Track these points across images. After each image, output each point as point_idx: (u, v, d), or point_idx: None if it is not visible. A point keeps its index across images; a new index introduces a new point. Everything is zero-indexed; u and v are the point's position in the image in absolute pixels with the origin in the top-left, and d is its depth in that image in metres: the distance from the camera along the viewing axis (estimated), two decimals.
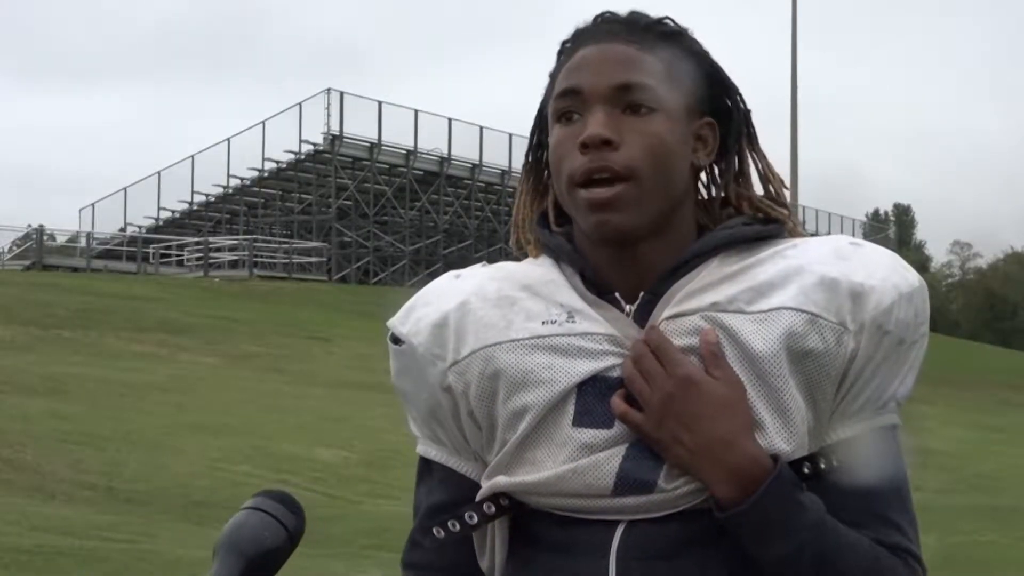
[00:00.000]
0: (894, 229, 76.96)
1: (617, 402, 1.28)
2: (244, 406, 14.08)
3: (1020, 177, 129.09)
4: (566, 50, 1.39)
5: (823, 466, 1.28)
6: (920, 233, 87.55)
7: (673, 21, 1.39)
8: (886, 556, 1.29)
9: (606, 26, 1.37)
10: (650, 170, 1.30)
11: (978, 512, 11.67)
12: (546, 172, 1.43)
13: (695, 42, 1.39)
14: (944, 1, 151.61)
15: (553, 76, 1.39)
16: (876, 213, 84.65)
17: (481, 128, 39.03)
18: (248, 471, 10.74)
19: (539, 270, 1.39)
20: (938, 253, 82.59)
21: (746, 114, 1.41)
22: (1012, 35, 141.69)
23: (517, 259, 1.44)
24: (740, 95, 1.41)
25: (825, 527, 1.25)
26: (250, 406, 14.14)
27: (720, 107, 1.40)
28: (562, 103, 1.35)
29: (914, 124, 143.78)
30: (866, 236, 55.38)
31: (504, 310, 1.35)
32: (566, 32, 1.40)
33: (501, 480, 1.31)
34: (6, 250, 37.88)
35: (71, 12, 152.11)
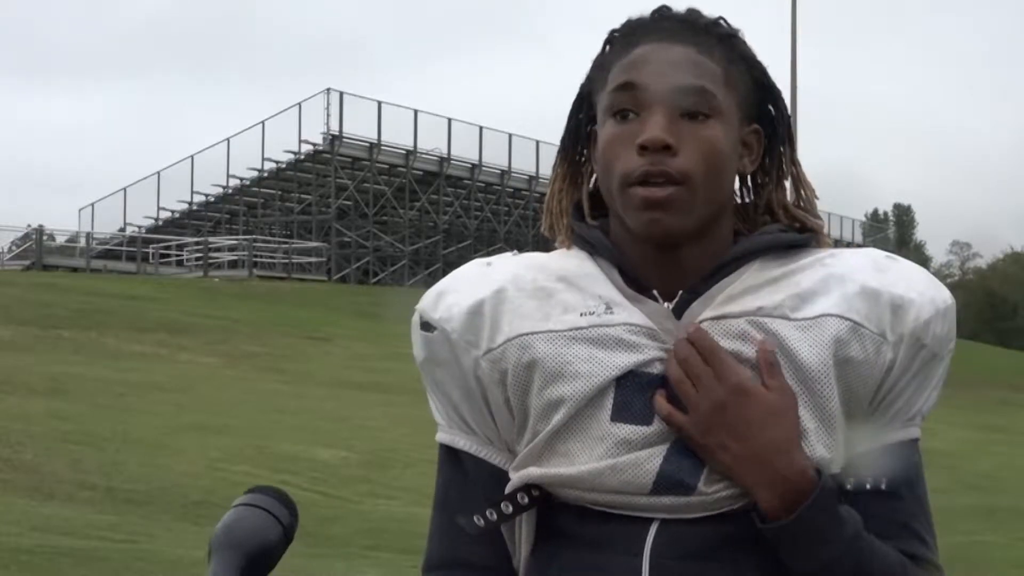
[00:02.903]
0: (893, 229, 76.96)
1: (661, 403, 1.27)
2: (244, 406, 14.07)
3: (1020, 177, 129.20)
4: (618, 40, 1.36)
5: (870, 484, 1.29)
6: (920, 233, 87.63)
7: (726, 22, 1.37)
8: (913, 569, 1.30)
9: (665, 23, 1.35)
10: (704, 176, 1.29)
11: (978, 512, 11.67)
12: (582, 159, 1.42)
13: (746, 45, 1.38)
14: (944, 1, 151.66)
15: (601, 65, 1.36)
16: (875, 213, 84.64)
17: (481, 128, 39.09)
18: (248, 471, 10.72)
19: (574, 262, 1.37)
20: (938, 253, 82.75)
21: (788, 121, 1.41)
22: (1012, 35, 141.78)
23: (545, 250, 1.43)
24: (783, 102, 1.40)
25: (861, 541, 1.26)
26: (250, 406, 14.13)
27: (764, 113, 1.39)
28: (619, 98, 1.32)
29: (914, 124, 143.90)
30: (865, 236, 55.40)
31: (541, 301, 1.33)
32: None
33: (534, 471, 1.30)
34: (6, 250, 37.89)
35: (70, 10, 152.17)
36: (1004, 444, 18.32)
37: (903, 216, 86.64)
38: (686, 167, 1.28)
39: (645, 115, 1.30)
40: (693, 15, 1.36)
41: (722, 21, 1.37)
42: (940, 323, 1.32)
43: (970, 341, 44.38)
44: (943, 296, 1.33)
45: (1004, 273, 73.44)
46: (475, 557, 1.37)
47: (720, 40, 1.35)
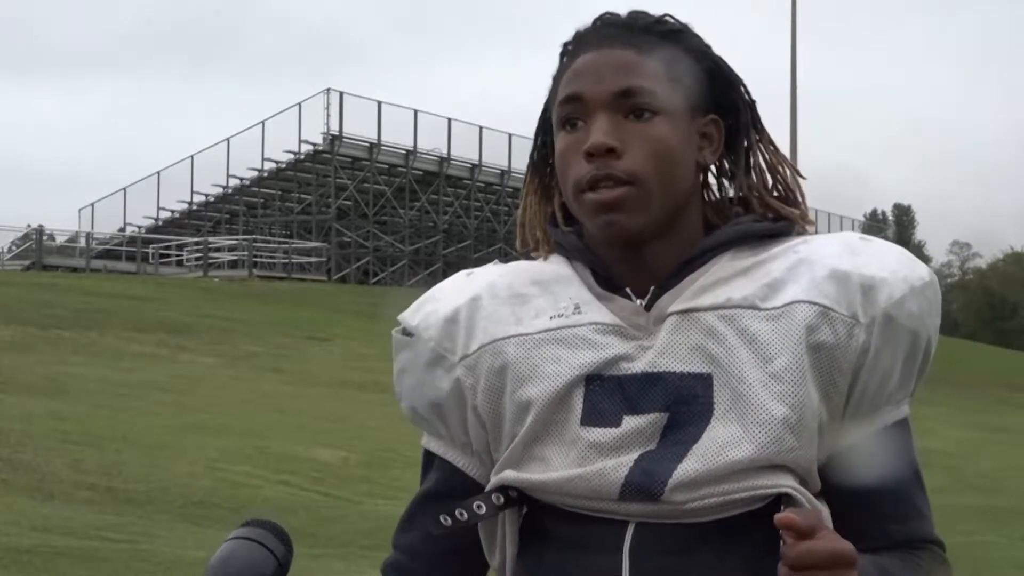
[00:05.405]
0: (893, 229, 76.95)
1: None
2: (244, 406, 14.07)
3: (1020, 177, 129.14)
4: (568, 52, 1.39)
5: (872, 478, 1.29)
6: (920, 233, 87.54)
7: (673, 18, 1.39)
8: (923, 568, 1.31)
9: (605, 29, 1.37)
10: (654, 174, 1.31)
11: (978, 512, 11.66)
12: (550, 173, 1.44)
13: (696, 38, 1.39)
14: (945, 1, 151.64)
15: (556, 79, 1.39)
16: (875, 213, 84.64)
17: (481, 128, 39.08)
18: (248, 471, 10.73)
19: (550, 267, 1.40)
20: (938, 253, 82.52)
21: (751, 105, 1.41)
22: (1012, 35, 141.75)
23: (529, 258, 1.44)
24: (744, 87, 1.41)
25: None
26: (250, 406, 14.12)
27: (724, 102, 1.39)
28: (565, 110, 1.35)
29: (914, 124, 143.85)
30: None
31: (514, 306, 1.36)
32: (566, 32, 1.41)
33: (509, 474, 1.32)
34: (6, 250, 37.93)
35: (69, 9, 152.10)
36: (1004, 444, 18.29)
37: (903, 216, 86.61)
38: (632, 167, 1.30)
39: (590, 122, 1.32)
40: (634, 17, 1.38)
41: (667, 18, 1.39)
42: (916, 301, 1.30)
43: (970, 341, 44.36)
44: (918, 274, 1.32)
45: (1004, 273, 73.39)
46: (421, 549, 1.43)
47: (662, 37, 1.36)
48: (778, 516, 1.14)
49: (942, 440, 15.95)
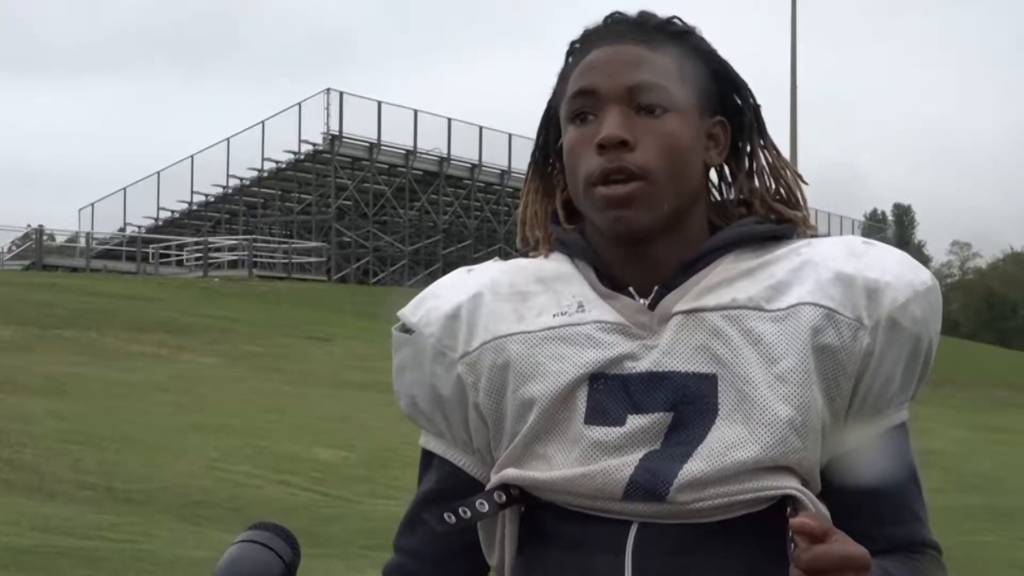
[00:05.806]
0: (892, 229, 76.98)
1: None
2: (244, 406, 14.07)
3: (1020, 177, 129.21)
4: (576, 50, 1.39)
5: (872, 480, 1.29)
6: (920, 233, 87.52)
7: (681, 20, 1.40)
8: (922, 571, 1.31)
9: (616, 27, 1.38)
10: (665, 170, 1.31)
11: (978, 512, 11.66)
12: (552, 171, 1.44)
13: (703, 40, 1.40)
14: (944, 1, 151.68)
15: (563, 76, 1.39)
16: (874, 213, 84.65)
17: (481, 128, 39.07)
18: (248, 471, 10.73)
19: (552, 264, 1.39)
20: (938, 253, 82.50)
21: (755, 109, 1.42)
22: (1012, 34, 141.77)
23: (528, 257, 1.44)
24: (749, 91, 1.42)
25: None
26: (250, 406, 14.12)
27: (730, 104, 1.40)
28: (576, 104, 1.35)
29: (914, 124, 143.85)
30: (865, 236, 55.42)
31: (516, 303, 1.35)
32: (571, 32, 1.41)
33: (511, 472, 1.31)
34: (6, 250, 37.90)
35: (69, 9, 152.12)
36: (1004, 444, 18.29)
37: (903, 216, 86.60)
38: (644, 161, 1.30)
39: (602, 115, 1.32)
40: (644, 16, 1.39)
41: (676, 19, 1.40)
42: (919, 305, 1.31)
43: (970, 341, 44.35)
44: (921, 278, 1.33)
45: (1004, 273, 73.37)
46: (425, 550, 1.42)
47: (672, 37, 1.37)
48: (793, 521, 1.14)
49: (942, 440, 15.95)
